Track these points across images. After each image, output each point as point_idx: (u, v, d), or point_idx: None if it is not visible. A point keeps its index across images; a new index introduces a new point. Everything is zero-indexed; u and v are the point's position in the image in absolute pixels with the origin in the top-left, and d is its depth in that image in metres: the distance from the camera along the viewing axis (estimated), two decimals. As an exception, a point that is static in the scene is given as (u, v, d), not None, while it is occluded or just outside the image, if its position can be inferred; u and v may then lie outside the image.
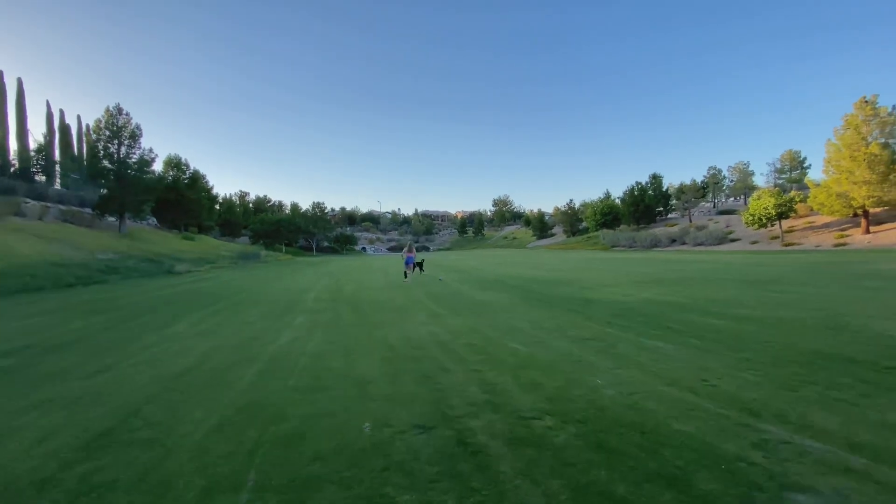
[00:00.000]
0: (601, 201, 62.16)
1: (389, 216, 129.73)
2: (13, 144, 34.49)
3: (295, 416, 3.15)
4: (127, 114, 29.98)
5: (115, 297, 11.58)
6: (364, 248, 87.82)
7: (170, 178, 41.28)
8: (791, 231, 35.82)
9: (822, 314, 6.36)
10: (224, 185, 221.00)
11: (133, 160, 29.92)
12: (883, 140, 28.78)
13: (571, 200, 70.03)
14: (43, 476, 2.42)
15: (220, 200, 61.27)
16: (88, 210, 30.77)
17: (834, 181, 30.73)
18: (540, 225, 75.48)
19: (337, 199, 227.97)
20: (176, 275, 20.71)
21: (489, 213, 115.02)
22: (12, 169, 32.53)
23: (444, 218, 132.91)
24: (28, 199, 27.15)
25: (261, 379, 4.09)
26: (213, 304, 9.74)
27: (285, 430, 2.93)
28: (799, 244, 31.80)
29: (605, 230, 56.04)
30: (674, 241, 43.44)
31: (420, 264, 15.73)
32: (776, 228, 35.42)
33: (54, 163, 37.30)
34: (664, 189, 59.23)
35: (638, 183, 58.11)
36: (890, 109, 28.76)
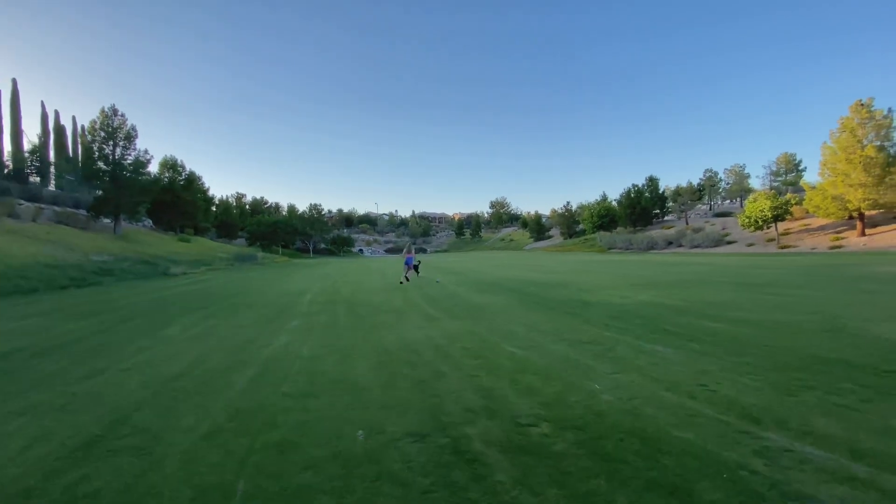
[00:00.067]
0: (598, 203, 62.31)
1: (387, 218, 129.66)
2: (7, 145, 34.27)
3: (287, 423, 3.09)
4: (122, 115, 29.79)
5: (108, 300, 11.45)
6: (361, 250, 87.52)
7: (166, 179, 41.15)
8: (787, 233, 36.00)
9: (819, 317, 6.35)
10: (220, 186, 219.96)
11: (128, 161, 29.70)
12: (878, 143, 28.95)
13: (568, 202, 70.06)
14: (27, 485, 2.36)
15: (217, 202, 61.19)
16: (83, 211, 30.53)
17: (829, 184, 30.89)
18: (537, 227, 75.55)
19: (334, 201, 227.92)
20: (171, 277, 20.55)
21: (486, 215, 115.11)
22: (6, 170, 32.24)
23: (442, 220, 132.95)
24: (22, 201, 26.93)
25: (254, 384, 4.02)
26: (208, 307, 9.65)
27: (277, 437, 2.87)
28: (795, 247, 31.95)
29: (601, 232, 56.12)
30: (670, 243, 43.54)
31: (416, 267, 15.75)
32: (772, 231, 35.57)
33: (49, 164, 36.99)
34: (661, 191, 59.52)
35: (634, 185, 58.26)
36: (886, 112, 28.97)
